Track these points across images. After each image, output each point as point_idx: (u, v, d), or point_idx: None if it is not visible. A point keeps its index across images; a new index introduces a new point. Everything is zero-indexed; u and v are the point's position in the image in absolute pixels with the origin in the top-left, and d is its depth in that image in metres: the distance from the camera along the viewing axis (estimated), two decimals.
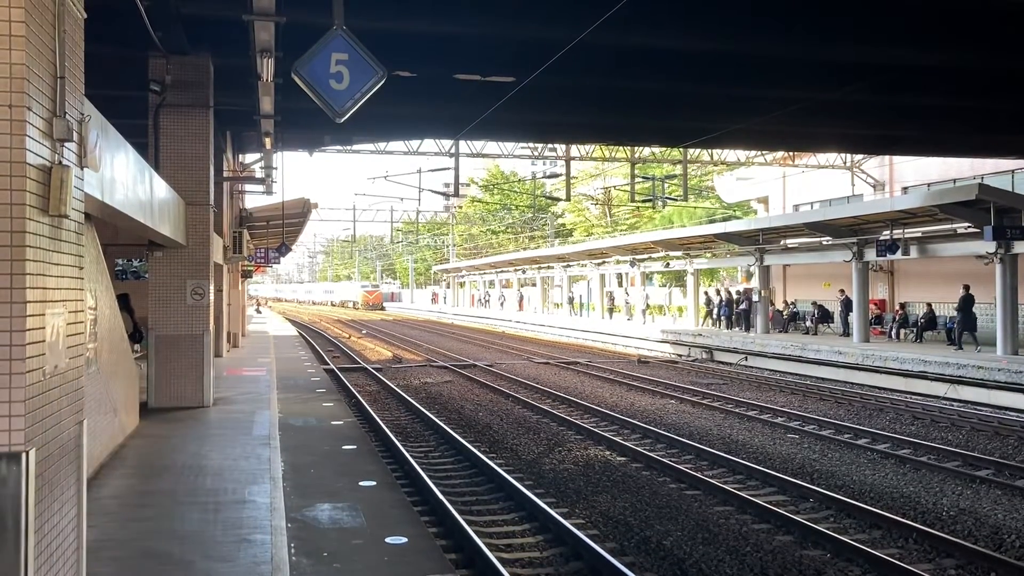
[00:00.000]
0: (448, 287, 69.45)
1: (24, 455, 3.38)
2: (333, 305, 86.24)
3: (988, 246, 18.65)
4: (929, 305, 23.02)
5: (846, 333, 24.81)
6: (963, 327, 20.38)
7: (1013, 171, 25.19)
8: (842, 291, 25.28)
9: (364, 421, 13.42)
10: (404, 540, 6.20)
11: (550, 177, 40.56)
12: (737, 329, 28.98)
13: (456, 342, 33.78)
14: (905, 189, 29.18)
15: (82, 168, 4.36)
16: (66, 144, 3.98)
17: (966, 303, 20.44)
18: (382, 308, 75.35)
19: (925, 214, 20.11)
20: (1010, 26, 11.75)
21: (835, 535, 7.45)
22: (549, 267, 45.21)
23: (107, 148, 6.60)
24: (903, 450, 11.51)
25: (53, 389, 3.80)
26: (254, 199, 26.71)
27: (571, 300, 44.64)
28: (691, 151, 28.35)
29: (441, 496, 8.44)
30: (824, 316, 26.57)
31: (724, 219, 41.40)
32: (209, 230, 12.85)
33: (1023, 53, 12.61)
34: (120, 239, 13.08)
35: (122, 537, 6.01)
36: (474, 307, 60.86)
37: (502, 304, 57.40)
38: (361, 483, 7.98)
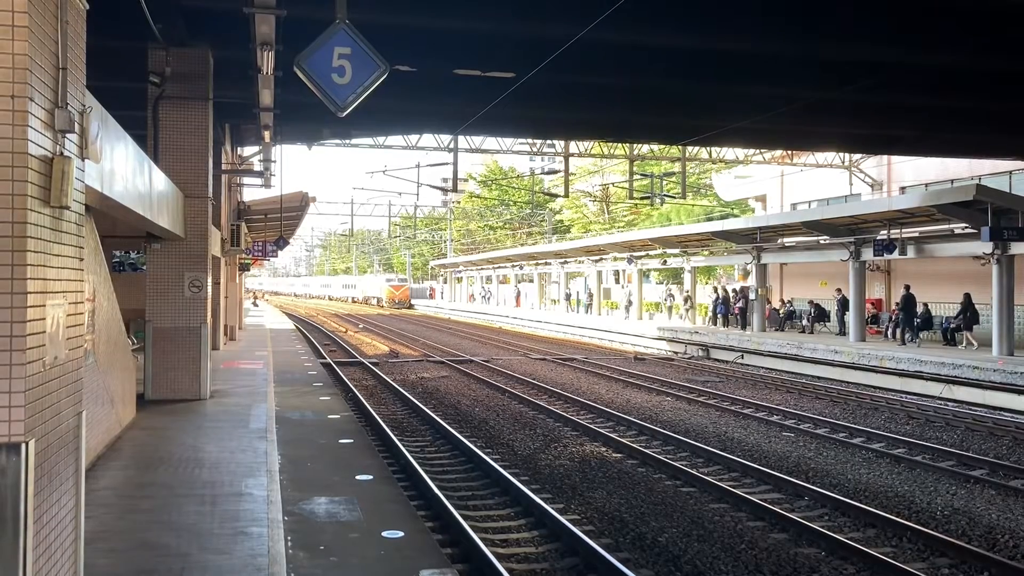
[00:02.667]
0: (445, 282, 69.08)
1: (24, 446, 3.38)
2: (354, 302, 76.06)
3: (985, 247, 18.70)
4: (926, 305, 23.04)
5: (842, 332, 24.85)
6: (905, 324, 21.76)
7: (1011, 172, 25.24)
8: (839, 290, 25.33)
9: (361, 415, 13.43)
10: (400, 534, 6.22)
11: (548, 173, 40.67)
12: (734, 327, 29.04)
13: (453, 337, 33.79)
14: (903, 189, 29.21)
15: (83, 159, 4.36)
16: (68, 135, 3.98)
17: (907, 301, 21.76)
18: (410, 307, 65.93)
19: (923, 214, 20.15)
20: (1010, 27, 11.77)
21: (830, 533, 7.48)
22: (547, 263, 45.22)
23: (107, 140, 6.60)
24: (898, 449, 11.55)
25: (53, 380, 3.80)
26: (252, 192, 26.74)
27: (568, 296, 44.70)
28: (690, 149, 28.37)
29: (437, 491, 8.45)
30: (820, 315, 26.62)
31: (722, 217, 41.45)
32: (207, 223, 12.85)
33: (1022, 54, 12.63)
34: (118, 231, 13.08)
35: (119, 529, 6.02)
36: (471, 303, 60.80)
37: (488, 300, 57.51)
38: (358, 477, 8.00)
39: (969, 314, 20.92)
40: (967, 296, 21.03)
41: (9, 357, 3.40)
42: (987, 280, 19.53)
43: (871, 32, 11.91)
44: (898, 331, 22.07)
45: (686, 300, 33.32)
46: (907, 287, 22.06)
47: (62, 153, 3.91)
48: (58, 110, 3.84)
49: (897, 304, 24.52)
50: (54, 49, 3.82)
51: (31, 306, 3.48)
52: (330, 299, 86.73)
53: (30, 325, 3.47)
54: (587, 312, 40.39)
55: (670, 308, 34.68)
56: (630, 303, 36.45)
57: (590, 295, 41.80)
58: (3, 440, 3.37)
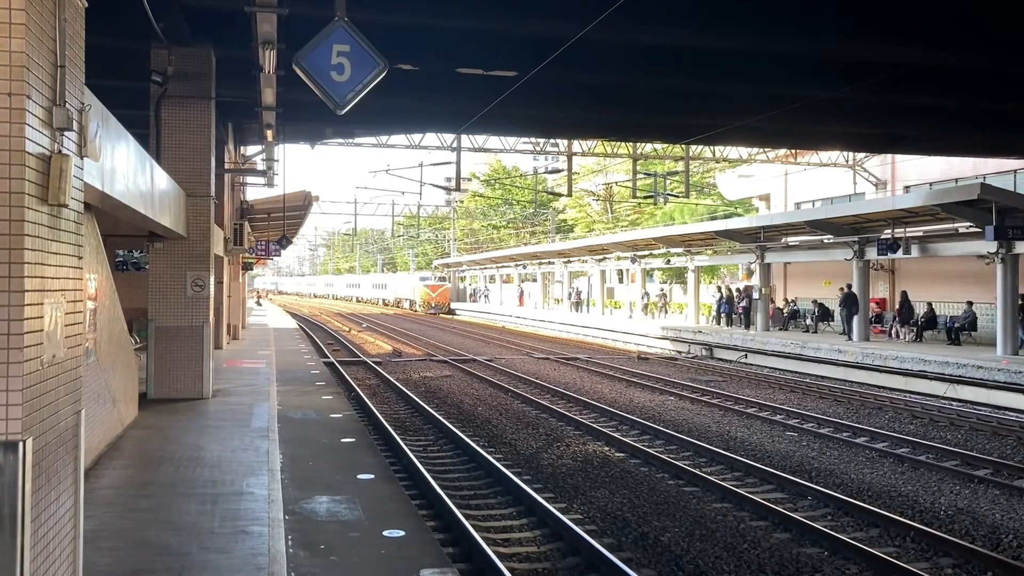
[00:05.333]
0: (449, 282, 68.89)
1: (21, 444, 3.37)
2: (386, 304, 66.98)
3: (989, 246, 18.63)
4: (929, 304, 23.00)
5: (846, 332, 24.77)
6: (847, 320, 23.52)
7: (1015, 171, 25.16)
8: (842, 289, 25.24)
9: (363, 414, 13.43)
10: (402, 533, 6.21)
11: (552, 172, 40.67)
12: (738, 327, 29.00)
13: (456, 336, 33.79)
14: (907, 188, 29.14)
15: (82, 157, 4.34)
16: (66, 133, 3.96)
17: (848, 299, 23.42)
18: (450, 312, 56.54)
19: (927, 213, 20.08)
20: (1014, 26, 11.71)
21: (833, 533, 7.45)
22: (550, 263, 45.18)
23: (108, 138, 6.58)
24: (902, 449, 11.51)
25: (51, 379, 3.79)
26: (255, 191, 26.78)
27: (571, 296, 44.80)
28: (693, 148, 28.33)
29: (439, 490, 8.44)
30: (824, 314, 26.55)
31: (725, 216, 41.37)
32: (210, 222, 12.85)
33: None
34: (121, 230, 13.06)
35: (120, 527, 6.02)
36: (474, 303, 60.72)
37: (486, 299, 57.57)
38: (359, 476, 7.99)
39: (904, 309, 23.22)
40: (904, 294, 23.53)
41: (7, 355, 3.38)
42: (991, 279, 19.46)
43: (875, 31, 11.86)
44: (849, 327, 23.72)
45: (644, 297, 36.69)
46: (848, 286, 23.55)
47: (60, 151, 3.89)
48: (56, 108, 3.82)
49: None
50: (52, 47, 3.81)
51: (28, 304, 3.47)
52: (358, 301, 77.50)
53: (28, 323, 3.46)
54: (576, 311, 41.38)
55: (646, 306, 36.90)
56: (633, 302, 37.04)
57: (578, 293, 43.02)
58: (0, 438, 3.36)
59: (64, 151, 3.94)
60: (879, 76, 13.40)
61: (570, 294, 44.50)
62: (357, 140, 25.31)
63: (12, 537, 3.35)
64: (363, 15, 7.29)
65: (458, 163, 26.77)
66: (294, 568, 5.41)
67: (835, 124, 19.25)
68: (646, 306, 36.81)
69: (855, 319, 23.23)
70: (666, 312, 36.64)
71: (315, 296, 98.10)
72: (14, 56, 3.42)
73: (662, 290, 38.21)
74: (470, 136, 26.37)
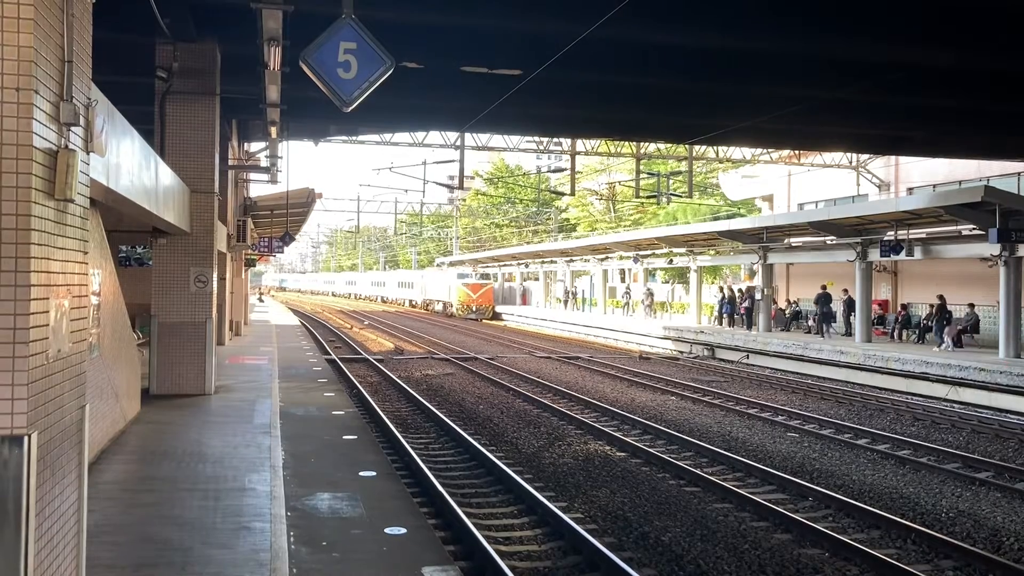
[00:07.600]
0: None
1: (26, 438, 3.38)
2: (413, 305, 58.85)
3: (993, 248, 18.60)
4: (931, 306, 22.96)
5: (848, 333, 24.78)
6: (822, 319, 24.91)
7: (1020, 173, 25.10)
8: (845, 290, 25.25)
9: (365, 411, 13.44)
10: (403, 531, 6.21)
11: (555, 171, 40.67)
12: (740, 327, 28.99)
13: (458, 335, 33.79)
14: (911, 190, 29.09)
15: (88, 153, 4.35)
16: (73, 128, 3.97)
17: (823, 299, 25.02)
18: (496, 316, 47.28)
19: (930, 215, 20.04)
20: (1019, 27, 11.69)
21: (833, 534, 7.45)
22: (552, 261, 45.16)
23: (113, 134, 6.59)
24: (903, 451, 11.51)
25: (56, 373, 3.80)
26: (258, 188, 26.76)
27: (574, 295, 44.86)
28: (697, 148, 28.31)
29: (440, 488, 8.45)
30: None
31: (728, 216, 41.34)
32: (213, 218, 12.86)
33: None
34: (124, 225, 13.07)
35: (122, 522, 6.03)
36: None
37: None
38: (361, 473, 8.00)
39: (825, 310, 24.99)
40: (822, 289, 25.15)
41: (12, 350, 3.39)
42: (994, 282, 19.44)
43: (879, 32, 11.84)
44: (823, 326, 25.05)
45: (626, 296, 37.55)
46: (823, 287, 25.13)
47: (67, 146, 3.90)
48: (63, 103, 3.83)
49: (904, 306, 24.56)
50: (60, 42, 3.81)
51: (34, 299, 3.48)
52: (384, 301, 69.01)
53: (33, 318, 3.47)
54: (567, 308, 42.60)
55: (627, 304, 37.38)
56: (628, 302, 37.37)
57: (567, 292, 43.58)
58: (5, 432, 3.37)
59: (71, 146, 3.95)
60: (884, 77, 13.38)
61: (575, 293, 44.61)
62: (361, 137, 25.33)
63: (17, 530, 3.36)
64: (368, 13, 7.28)
65: (461, 161, 26.77)
66: (296, 564, 5.42)
67: (839, 125, 19.23)
68: (627, 304, 36.87)
69: (852, 319, 23.66)
70: (654, 312, 36.42)
71: (334, 295, 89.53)
72: (22, 51, 3.43)
73: (648, 289, 38.13)
74: (473, 134, 26.38)
